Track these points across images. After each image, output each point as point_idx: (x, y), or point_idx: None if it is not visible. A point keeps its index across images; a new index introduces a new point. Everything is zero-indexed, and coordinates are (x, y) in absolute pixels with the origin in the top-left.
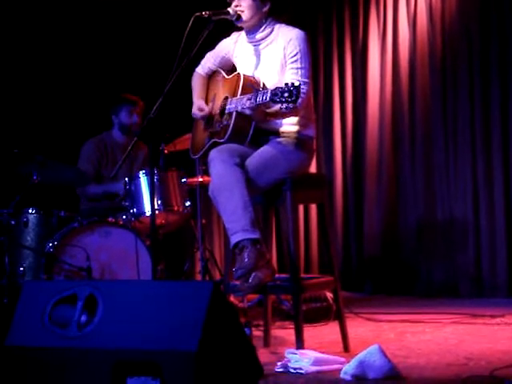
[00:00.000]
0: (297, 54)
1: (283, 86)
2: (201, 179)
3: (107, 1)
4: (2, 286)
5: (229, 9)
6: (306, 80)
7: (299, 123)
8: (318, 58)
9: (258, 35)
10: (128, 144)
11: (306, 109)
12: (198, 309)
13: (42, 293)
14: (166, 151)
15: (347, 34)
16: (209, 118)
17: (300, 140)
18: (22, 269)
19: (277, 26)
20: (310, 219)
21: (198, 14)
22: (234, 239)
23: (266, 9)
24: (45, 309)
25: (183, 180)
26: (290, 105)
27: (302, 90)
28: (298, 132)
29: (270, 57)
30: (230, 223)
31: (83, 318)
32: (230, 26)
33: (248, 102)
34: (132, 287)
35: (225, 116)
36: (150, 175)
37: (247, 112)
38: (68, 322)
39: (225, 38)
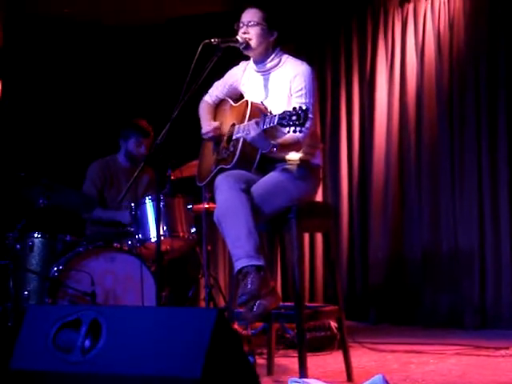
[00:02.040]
0: (302, 89)
1: (291, 109)
2: (207, 206)
3: (117, 28)
4: (7, 310)
5: (237, 36)
6: (310, 116)
7: (306, 151)
8: (326, 87)
9: (268, 65)
10: (133, 169)
11: (312, 137)
12: (202, 336)
13: (46, 317)
14: (172, 177)
15: (355, 64)
16: (217, 143)
17: (307, 168)
18: (26, 292)
19: (284, 57)
20: (316, 247)
21: (206, 41)
22: (238, 265)
23: (273, 38)
24: (48, 333)
25: (189, 206)
26: (298, 128)
27: (306, 125)
28: (305, 160)
29: (278, 87)
30: (234, 249)
31: (87, 343)
32: (237, 55)
33: (255, 125)
34: (136, 313)
35: (232, 142)
36: (156, 201)
37: (250, 137)
38: (71, 347)
39: (233, 66)
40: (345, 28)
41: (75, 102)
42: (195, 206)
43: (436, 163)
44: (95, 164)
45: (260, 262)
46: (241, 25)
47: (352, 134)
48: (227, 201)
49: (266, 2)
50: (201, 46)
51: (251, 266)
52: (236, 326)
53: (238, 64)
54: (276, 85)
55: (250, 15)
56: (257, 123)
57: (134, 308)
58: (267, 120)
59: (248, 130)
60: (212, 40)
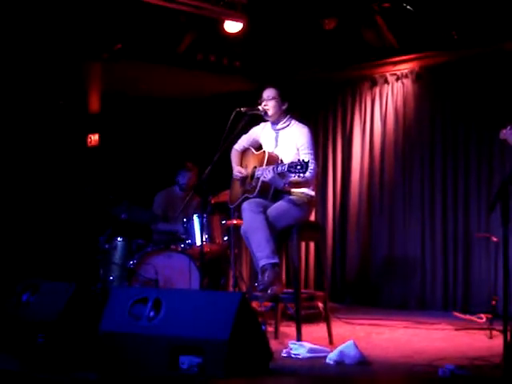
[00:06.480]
0: (303, 144)
1: (297, 160)
2: (235, 222)
3: (175, 101)
4: (98, 290)
5: (259, 106)
6: (314, 161)
7: (305, 186)
8: (318, 141)
9: (279, 126)
10: (185, 196)
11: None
12: (230, 310)
13: (125, 295)
14: (212, 201)
15: (339, 126)
16: (243, 179)
17: (305, 198)
18: (111, 278)
19: (293, 122)
20: (309, 252)
21: (238, 109)
22: (260, 263)
23: (284, 107)
24: (126, 306)
25: (223, 221)
26: (301, 175)
27: (310, 166)
28: (304, 193)
29: (286, 141)
30: (257, 252)
31: (151, 314)
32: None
33: (272, 170)
34: (186, 294)
35: (254, 179)
36: (201, 218)
37: (268, 179)
38: (141, 316)
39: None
40: (332, 101)
41: (148, 150)
42: (227, 222)
43: (393, 196)
44: (162, 193)
45: (275, 260)
46: (262, 99)
47: (335, 174)
48: (251, 220)
49: (279, 82)
50: (234, 113)
51: (269, 263)
52: (254, 304)
53: (259, 124)
54: (285, 139)
55: (268, 92)
56: (273, 169)
57: (184, 290)
58: (279, 168)
59: (266, 172)
60: (241, 109)
